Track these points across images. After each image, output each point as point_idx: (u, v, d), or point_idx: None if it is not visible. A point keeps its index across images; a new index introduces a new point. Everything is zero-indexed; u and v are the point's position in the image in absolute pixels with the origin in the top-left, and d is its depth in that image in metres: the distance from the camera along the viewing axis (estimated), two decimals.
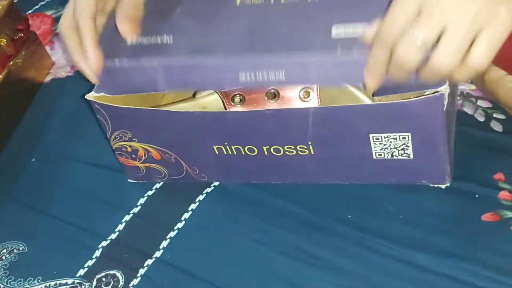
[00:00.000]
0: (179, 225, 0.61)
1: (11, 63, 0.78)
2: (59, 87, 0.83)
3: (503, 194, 0.56)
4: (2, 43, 0.77)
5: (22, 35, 0.81)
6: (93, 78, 0.55)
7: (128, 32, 0.54)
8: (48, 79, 0.85)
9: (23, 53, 0.80)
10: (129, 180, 0.65)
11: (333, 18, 0.50)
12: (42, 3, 1.02)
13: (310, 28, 0.50)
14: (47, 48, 0.89)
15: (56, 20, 0.97)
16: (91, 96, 0.56)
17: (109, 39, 0.55)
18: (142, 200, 0.64)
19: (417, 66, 0.44)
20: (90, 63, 0.54)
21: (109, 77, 0.55)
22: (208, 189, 0.63)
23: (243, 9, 0.55)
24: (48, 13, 0.99)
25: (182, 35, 0.54)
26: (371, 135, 0.52)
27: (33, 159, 0.72)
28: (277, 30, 0.51)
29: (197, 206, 0.62)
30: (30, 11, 1.00)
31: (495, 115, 0.63)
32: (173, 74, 0.53)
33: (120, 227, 0.62)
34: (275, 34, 0.51)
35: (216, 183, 0.63)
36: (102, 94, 0.56)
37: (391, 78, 0.47)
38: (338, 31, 0.49)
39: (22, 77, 0.80)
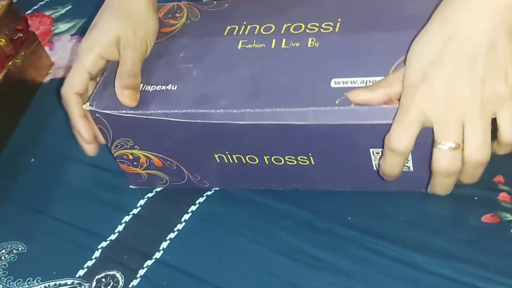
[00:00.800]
0: (179, 226, 0.61)
1: (10, 63, 0.78)
2: (58, 88, 0.82)
3: (502, 196, 0.56)
4: (1, 43, 0.77)
5: (21, 35, 0.81)
6: (87, 151, 0.59)
7: (128, 102, 0.55)
8: (47, 79, 0.85)
9: (22, 53, 0.80)
10: (130, 186, 0.65)
11: (332, 67, 0.52)
12: (41, 3, 1.02)
13: (310, 79, 0.52)
14: (46, 48, 0.89)
15: (55, 20, 0.97)
16: (89, 106, 0.56)
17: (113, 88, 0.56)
18: (142, 202, 0.64)
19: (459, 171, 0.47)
20: (83, 136, 0.58)
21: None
22: (208, 192, 0.63)
23: (245, 53, 0.56)
24: (47, 13, 0.99)
25: (185, 84, 0.55)
26: (371, 150, 0.52)
27: (33, 159, 0.72)
28: (277, 80, 0.53)
29: (197, 207, 0.62)
30: (29, 11, 1.00)
31: None
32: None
33: (120, 228, 0.62)
34: (275, 85, 0.53)
35: None
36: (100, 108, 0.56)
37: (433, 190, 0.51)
38: (337, 85, 0.51)
39: (22, 78, 0.80)
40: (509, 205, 0.55)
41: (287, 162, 0.56)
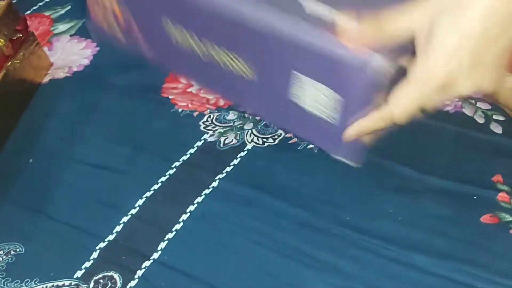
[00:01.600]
0: (177, 226, 0.60)
1: (9, 63, 0.77)
2: (57, 88, 0.83)
3: (501, 196, 0.56)
4: (0, 44, 0.76)
5: (21, 35, 0.81)
6: None
7: None
8: (46, 79, 0.85)
9: (22, 53, 0.80)
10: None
11: None
12: (41, 3, 1.02)
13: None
14: (45, 49, 0.88)
15: (55, 20, 0.97)
16: None
17: None
18: (140, 202, 0.64)
19: None
20: None
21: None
22: (207, 191, 0.63)
23: None
24: (47, 13, 0.99)
25: None
26: (294, 71, 0.49)
27: (31, 160, 0.72)
28: None
29: (196, 208, 0.62)
30: (28, 12, 1.00)
31: (494, 117, 0.63)
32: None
33: (118, 228, 0.62)
34: None
35: (215, 184, 0.63)
36: None
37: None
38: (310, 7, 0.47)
39: (21, 78, 0.80)
40: (508, 205, 0.55)
41: (225, 62, 0.53)
